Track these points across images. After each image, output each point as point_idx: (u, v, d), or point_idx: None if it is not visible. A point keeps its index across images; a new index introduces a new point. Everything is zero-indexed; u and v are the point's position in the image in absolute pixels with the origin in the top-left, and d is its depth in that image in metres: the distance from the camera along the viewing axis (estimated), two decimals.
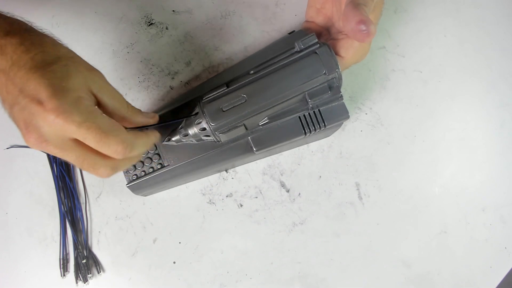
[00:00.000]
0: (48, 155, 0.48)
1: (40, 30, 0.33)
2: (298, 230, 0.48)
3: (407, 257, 0.48)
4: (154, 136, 0.38)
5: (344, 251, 0.48)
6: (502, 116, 0.51)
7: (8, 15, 0.33)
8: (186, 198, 0.49)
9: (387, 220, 0.48)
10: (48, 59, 0.30)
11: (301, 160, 0.49)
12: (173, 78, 0.50)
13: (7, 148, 0.49)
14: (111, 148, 0.31)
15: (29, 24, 0.33)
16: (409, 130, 0.50)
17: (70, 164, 0.49)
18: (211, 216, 0.48)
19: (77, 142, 0.31)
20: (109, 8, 0.51)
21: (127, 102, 0.35)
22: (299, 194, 0.49)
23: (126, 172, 0.44)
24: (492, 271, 0.48)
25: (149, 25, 0.51)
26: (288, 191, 0.49)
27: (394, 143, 0.50)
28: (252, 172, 0.49)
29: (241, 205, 0.48)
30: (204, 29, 0.51)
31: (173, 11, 0.52)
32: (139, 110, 0.37)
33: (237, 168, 0.49)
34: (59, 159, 0.48)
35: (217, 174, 0.49)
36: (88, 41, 0.50)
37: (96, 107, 0.32)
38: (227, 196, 0.49)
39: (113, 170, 0.34)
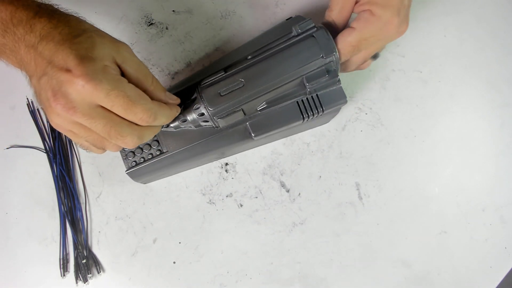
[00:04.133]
0: (49, 155, 0.48)
1: (65, 11, 0.35)
2: (298, 230, 0.48)
3: (407, 257, 0.48)
4: (176, 110, 0.38)
5: (344, 251, 0.48)
6: (502, 116, 0.51)
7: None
8: (186, 198, 0.49)
9: (387, 220, 0.48)
10: (74, 32, 0.31)
11: (301, 160, 0.49)
12: (173, 78, 0.50)
13: (7, 148, 0.49)
14: (137, 116, 0.32)
15: (56, 6, 0.35)
16: (409, 130, 0.50)
17: (70, 164, 0.49)
18: (211, 216, 0.48)
19: (105, 109, 0.32)
20: (109, 8, 0.51)
21: (152, 76, 0.36)
22: (299, 194, 0.49)
23: (125, 159, 0.44)
24: (492, 271, 0.48)
25: (149, 25, 0.51)
26: (288, 191, 0.49)
27: (394, 143, 0.50)
28: (252, 172, 0.49)
29: (241, 205, 0.48)
30: (204, 29, 0.51)
31: (173, 11, 0.52)
32: (163, 88, 0.37)
33: (237, 168, 0.49)
34: (59, 159, 0.48)
35: (217, 174, 0.49)
36: None
37: (123, 78, 0.33)
38: (227, 196, 0.49)
39: (139, 138, 0.35)
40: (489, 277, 0.48)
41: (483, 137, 0.50)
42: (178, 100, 0.39)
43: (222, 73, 0.41)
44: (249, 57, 0.41)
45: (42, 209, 0.48)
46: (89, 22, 0.34)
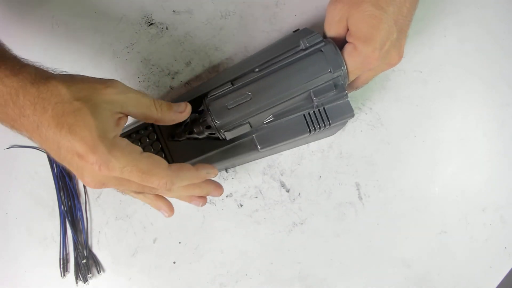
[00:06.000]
0: (48, 155, 0.48)
1: (47, 70, 0.34)
2: (298, 230, 0.48)
3: (407, 257, 0.48)
4: (205, 171, 0.38)
5: (344, 251, 0.48)
6: (502, 116, 0.51)
7: (16, 61, 0.34)
8: None
9: (387, 220, 0.48)
10: (65, 111, 0.31)
11: (301, 160, 0.49)
12: (173, 78, 0.50)
13: (7, 148, 0.49)
14: (154, 184, 0.33)
15: (38, 68, 0.34)
16: (409, 130, 0.50)
17: None
18: (211, 216, 0.48)
19: None
20: (109, 8, 0.51)
21: (154, 102, 0.36)
22: (299, 194, 0.49)
23: None
24: (492, 271, 0.48)
25: (149, 25, 0.51)
26: (288, 191, 0.49)
27: (394, 143, 0.50)
28: (252, 172, 0.49)
29: (241, 205, 0.48)
30: (204, 29, 0.51)
31: (173, 11, 0.52)
32: (169, 106, 0.37)
33: (237, 168, 0.49)
34: None
35: (217, 174, 0.49)
36: (88, 41, 0.50)
37: (135, 147, 0.34)
38: (227, 196, 0.49)
39: (167, 189, 0.35)
40: (489, 277, 0.48)
41: (484, 137, 0.50)
42: (188, 107, 0.39)
43: (229, 86, 0.41)
44: (257, 69, 0.41)
45: (42, 209, 0.48)
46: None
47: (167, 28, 0.51)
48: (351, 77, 0.42)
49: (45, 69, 0.34)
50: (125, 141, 0.33)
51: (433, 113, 0.50)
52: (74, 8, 0.51)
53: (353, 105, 0.50)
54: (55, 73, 0.34)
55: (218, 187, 0.41)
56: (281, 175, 0.49)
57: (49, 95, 0.31)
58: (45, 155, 0.49)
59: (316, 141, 0.49)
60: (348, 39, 0.41)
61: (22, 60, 0.34)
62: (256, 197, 0.49)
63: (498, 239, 0.49)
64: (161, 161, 0.34)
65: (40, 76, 0.32)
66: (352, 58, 0.40)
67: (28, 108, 0.31)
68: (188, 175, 0.36)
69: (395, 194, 0.49)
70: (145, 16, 0.51)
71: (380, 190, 0.49)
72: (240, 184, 0.49)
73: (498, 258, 0.48)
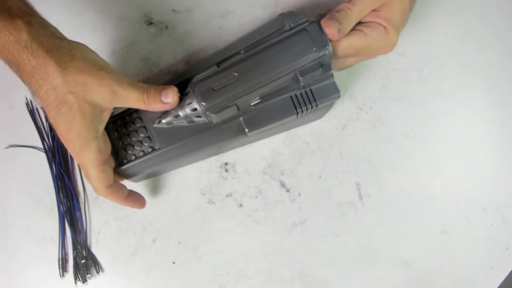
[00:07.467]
0: (48, 155, 0.48)
1: (58, 37, 0.36)
2: (298, 230, 0.48)
3: (407, 257, 0.48)
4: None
5: (344, 251, 0.48)
6: (503, 115, 0.51)
7: None
8: (186, 198, 0.48)
9: (387, 220, 0.48)
10: (56, 99, 0.34)
11: (301, 160, 0.49)
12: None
13: (7, 148, 0.49)
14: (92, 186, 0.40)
15: (49, 37, 0.35)
16: (409, 130, 0.50)
17: (69, 164, 0.48)
18: (211, 216, 0.48)
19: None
20: (109, 7, 0.51)
21: (143, 96, 0.37)
22: (299, 194, 0.49)
23: (117, 157, 0.43)
24: (493, 271, 0.48)
25: (149, 24, 0.51)
26: (288, 191, 0.49)
27: (394, 143, 0.50)
28: (252, 172, 0.49)
29: (241, 205, 0.48)
30: (204, 29, 0.51)
31: (173, 10, 0.51)
32: (158, 95, 0.38)
33: (237, 168, 0.49)
34: (58, 159, 0.48)
35: (217, 174, 0.49)
36: (87, 40, 0.50)
37: (102, 154, 0.38)
38: (227, 196, 0.48)
39: None
40: (490, 277, 0.48)
41: (484, 136, 0.50)
42: (174, 93, 0.39)
43: (215, 68, 0.40)
44: (242, 51, 0.41)
45: (41, 209, 0.48)
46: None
47: (166, 27, 0.51)
48: (363, 54, 0.44)
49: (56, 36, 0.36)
50: (97, 146, 0.37)
51: (434, 112, 0.50)
52: (73, 7, 0.51)
53: (353, 105, 0.50)
54: (64, 39, 0.36)
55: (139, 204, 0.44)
56: (281, 175, 0.49)
57: (43, 80, 0.34)
58: (44, 155, 0.48)
59: (317, 141, 0.49)
60: (377, 19, 0.42)
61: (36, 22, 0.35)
62: (256, 197, 0.48)
63: (499, 239, 0.48)
64: (105, 178, 0.38)
65: (45, 48, 0.34)
66: (380, 39, 0.42)
67: (27, 76, 0.34)
68: (116, 201, 0.41)
69: (395, 194, 0.49)
70: (144, 15, 0.51)
71: (380, 190, 0.49)
72: (240, 184, 0.49)
73: (499, 258, 0.48)
